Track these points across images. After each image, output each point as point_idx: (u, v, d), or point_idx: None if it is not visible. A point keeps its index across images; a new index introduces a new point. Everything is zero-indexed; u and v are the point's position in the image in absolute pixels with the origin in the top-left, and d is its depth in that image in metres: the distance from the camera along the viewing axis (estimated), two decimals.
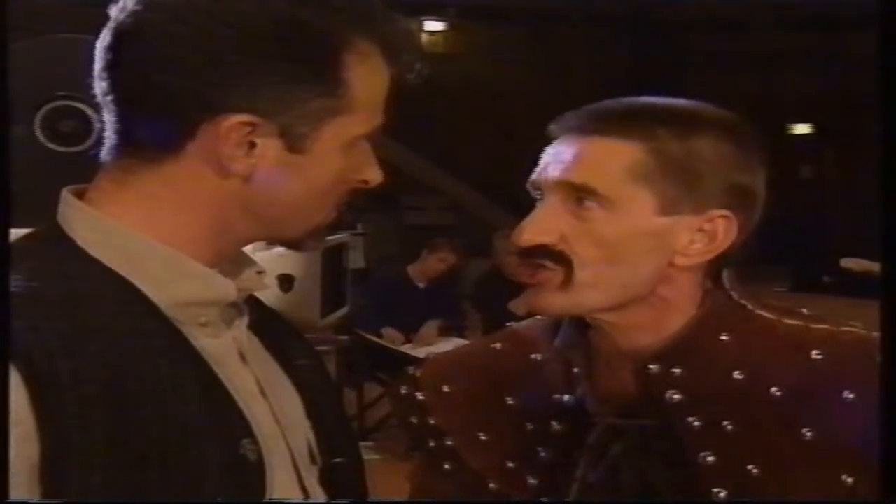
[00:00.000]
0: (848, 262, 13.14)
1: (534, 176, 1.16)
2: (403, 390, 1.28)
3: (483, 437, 1.22)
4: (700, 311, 1.14)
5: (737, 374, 1.11)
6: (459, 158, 13.29)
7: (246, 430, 0.94)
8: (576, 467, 1.14)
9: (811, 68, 14.36)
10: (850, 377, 1.10)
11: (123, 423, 0.85)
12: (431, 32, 13.02)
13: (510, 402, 1.22)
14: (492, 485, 1.20)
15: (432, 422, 1.25)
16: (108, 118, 0.96)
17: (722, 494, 1.09)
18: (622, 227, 1.09)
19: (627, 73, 14.35)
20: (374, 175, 1.02)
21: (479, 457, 1.22)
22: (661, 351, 1.13)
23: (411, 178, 12.34)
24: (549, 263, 1.11)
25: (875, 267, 13.08)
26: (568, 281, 1.11)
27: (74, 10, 6.08)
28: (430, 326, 6.49)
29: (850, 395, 1.09)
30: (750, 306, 1.17)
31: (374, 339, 6.39)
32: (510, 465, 1.20)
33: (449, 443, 1.24)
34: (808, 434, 1.09)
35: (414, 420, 1.26)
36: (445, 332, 6.48)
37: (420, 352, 5.65)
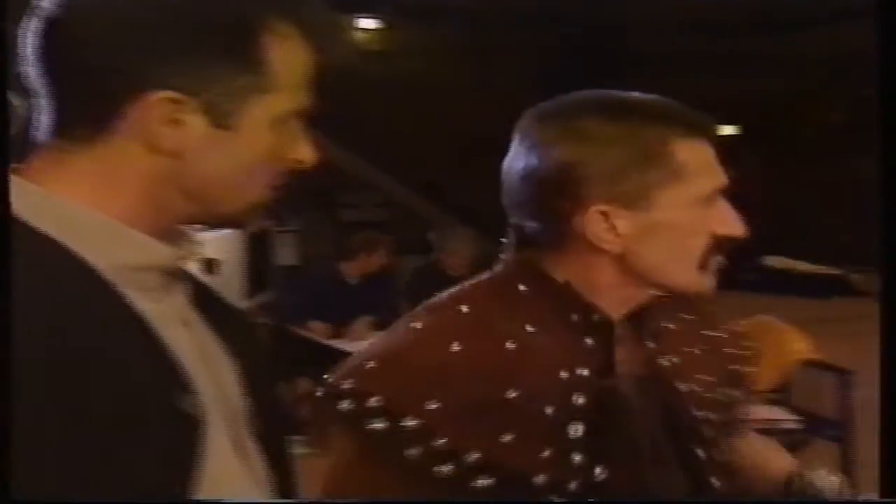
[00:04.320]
0: (771, 260, 13.73)
1: (723, 179, 1.33)
2: (343, 404, 1.22)
3: (507, 439, 1.21)
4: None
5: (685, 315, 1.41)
6: (394, 156, 13.32)
7: (187, 386, 1.00)
8: (611, 430, 1.23)
9: (735, 70, 14.67)
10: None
11: (69, 381, 0.90)
12: (366, 30, 13.03)
13: (513, 396, 1.22)
14: (537, 479, 1.21)
15: (436, 443, 1.20)
16: (40, 101, 1.00)
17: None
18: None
19: (560, 74, 14.44)
20: (307, 153, 1.05)
21: (514, 460, 1.21)
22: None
23: (346, 175, 12.35)
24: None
25: (798, 265, 13.40)
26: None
27: None
28: (362, 322, 6.54)
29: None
30: None
31: (301, 332, 6.43)
32: (546, 453, 1.22)
33: (472, 456, 1.20)
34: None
35: (387, 439, 1.21)
36: (378, 328, 6.54)
37: (351, 346, 5.71)
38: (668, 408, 1.28)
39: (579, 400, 1.23)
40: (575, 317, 1.27)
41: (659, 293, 1.31)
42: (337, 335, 6.48)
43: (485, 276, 1.33)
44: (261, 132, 1.01)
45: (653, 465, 1.25)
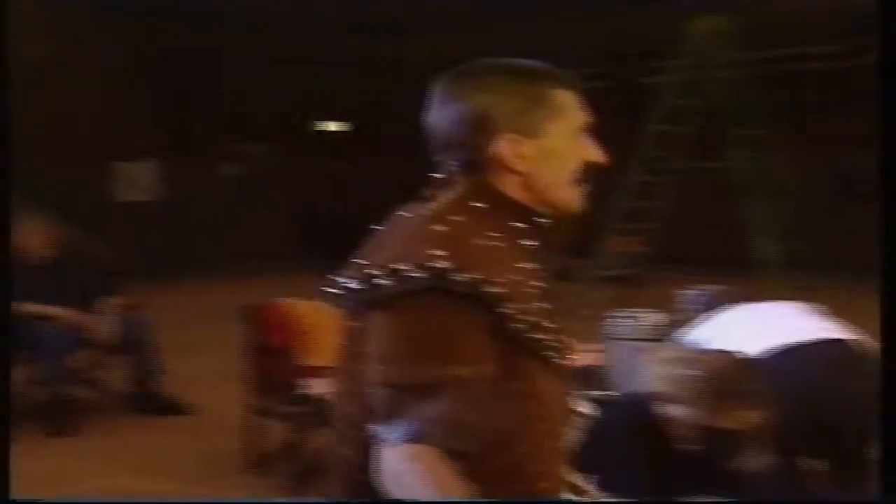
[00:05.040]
0: None
1: (586, 117, 1.73)
2: (445, 279, 1.51)
3: (527, 289, 1.63)
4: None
5: None
6: None
7: None
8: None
9: (343, 69, 15.01)
10: None
11: None
12: None
13: (524, 267, 1.66)
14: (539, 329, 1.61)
15: (497, 294, 1.54)
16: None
17: None
18: None
19: (152, 66, 14.15)
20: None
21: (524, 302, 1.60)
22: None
23: None
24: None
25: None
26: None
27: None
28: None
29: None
30: None
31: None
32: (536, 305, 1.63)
33: (511, 307, 1.55)
34: None
35: (474, 300, 1.53)
36: None
37: None
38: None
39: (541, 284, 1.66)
40: (519, 224, 1.67)
41: (547, 211, 1.71)
42: None
43: (439, 201, 1.67)
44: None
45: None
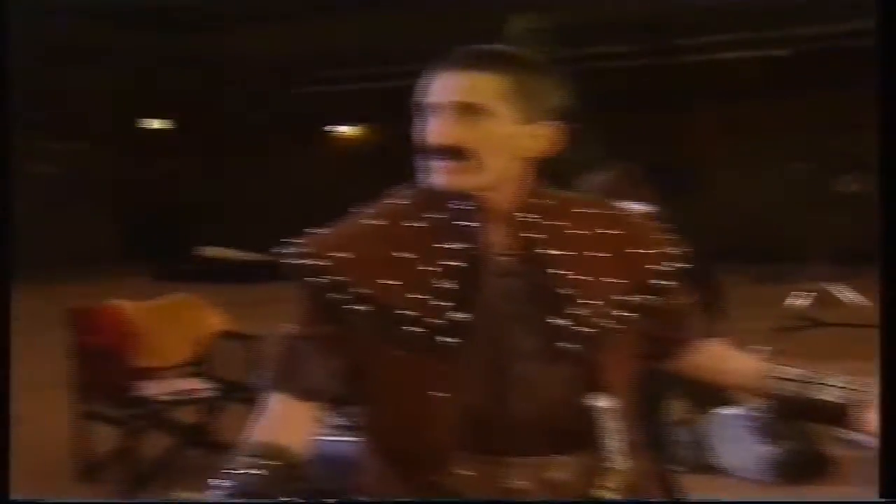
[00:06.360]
0: (207, 251, 14.16)
1: (430, 98, 1.68)
2: (299, 260, 1.69)
3: (391, 282, 1.66)
4: (535, 185, 1.73)
5: (558, 222, 1.73)
6: None
7: None
8: (476, 290, 1.66)
9: (156, 67, 14.67)
10: (606, 220, 1.78)
11: None
12: None
13: (407, 256, 1.68)
14: (408, 312, 1.64)
15: (338, 278, 1.67)
16: None
17: (565, 292, 1.68)
18: (499, 131, 1.65)
19: None
20: None
21: (392, 296, 1.65)
22: (520, 207, 1.71)
23: None
24: (454, 157, 1.65)
25: (233, 253, 14.07)
26: (470, 168, 1.65)
27: None
28: None
29: (611, 231, 1.76)
30: (548, 187, 1.76)
31: None
32: (419, 296, 1.65)
33: (362, 291, 1.66)
34: (598, 254, 1.73)
35: (316, 280, 1.68)
36: None
37: None
38: (534, 282, 1.68)
39: (455, 264, 1.67)
40: (454, 204, 1.70)
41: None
42: None
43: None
44: None
45: (508, 320, 1.66)
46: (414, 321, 1.64)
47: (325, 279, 1.67)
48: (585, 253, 1.72)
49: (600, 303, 1.69)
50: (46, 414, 5.59)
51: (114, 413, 4.97)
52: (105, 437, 5.04)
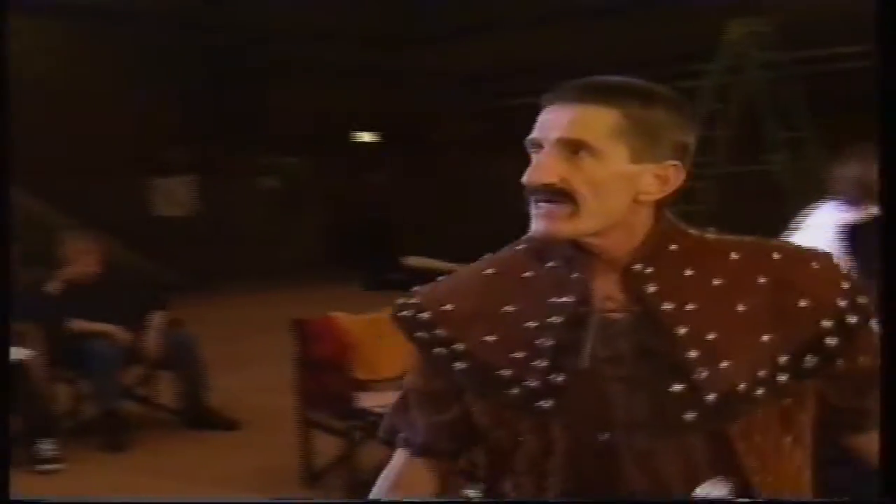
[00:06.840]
0: (410, 260, 14.05)
1: (534, 134, 1.51)
2: (406, 313, 1.60)
3: (489, 339, 1.54)
4: (654, 230, 1.52)
5: (687, 272, 1.52)
6: (19, 161, 12.47)
7: None
8: (577, 351, 1.49)
9: (375, 81, 15.11)
10: (759, 266, 1.53)
11: None
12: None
13: (510, 310, 1.55)
14: (503, 372, 1.52)
15: (439, 333, 1.57)
16: None
17: (692, 355, 1.45)
18: (606, 172, 1.46)
19: (204, 79, 14.34)
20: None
21: (489, 353, 1.54)
22: (636, 257, 1.51)
23: None
24: (554, 199, 1.47)
25: (436, 263, 13.99)
26: (572, 212, 1.47)
27: None
28: None
29: (763, 279, 1.51)
30: (682, 227, 1.56)
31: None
32: (518, 355, 1.52)
33: (460, 346, 1.55)
34: (741, 308, 1.49)
35: (421, 334, 1.59)
36: None
37: None
38: (655, 342, 1.48)
39: (556, 320, 1.51)
40: (569, 253, 1.53)
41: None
42: None
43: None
44: None
45: (616, 383, 1.47)
46: (509, 381, 1.51)
47: (428, 334, 1.58)
48: (723, 306, 1.48)
49: (743, 366, 1.45)
50: (274, 419, 5.80)
51: (335, 423, 5.10)
52: (327, 446, 5.17)
